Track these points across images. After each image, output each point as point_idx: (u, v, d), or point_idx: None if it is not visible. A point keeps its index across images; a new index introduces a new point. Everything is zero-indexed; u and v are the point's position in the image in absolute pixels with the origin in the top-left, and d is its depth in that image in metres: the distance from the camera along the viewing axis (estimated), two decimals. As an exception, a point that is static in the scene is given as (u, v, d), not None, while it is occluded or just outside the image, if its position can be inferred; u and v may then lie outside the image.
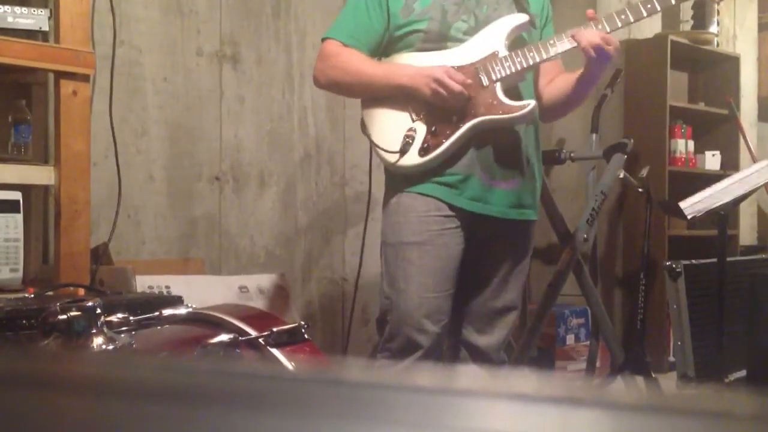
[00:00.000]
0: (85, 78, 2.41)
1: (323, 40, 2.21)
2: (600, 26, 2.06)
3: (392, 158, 2.11)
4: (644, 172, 3.35)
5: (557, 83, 2.24)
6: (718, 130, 4.89)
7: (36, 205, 2.68)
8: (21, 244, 2.27)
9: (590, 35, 2.02)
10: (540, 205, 2.36)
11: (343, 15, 2.24)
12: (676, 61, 4.46)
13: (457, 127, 2.09)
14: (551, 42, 2.09)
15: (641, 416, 0.35)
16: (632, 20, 2.09)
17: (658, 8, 2.09)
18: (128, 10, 2.92)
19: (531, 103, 2.09)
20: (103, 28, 2.75)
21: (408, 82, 2.09)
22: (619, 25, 2.08)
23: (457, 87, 2.05)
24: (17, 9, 2.33)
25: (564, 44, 2.08)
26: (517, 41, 2.15)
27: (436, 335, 2.11)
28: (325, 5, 3.47)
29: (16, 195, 2.29)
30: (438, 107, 2.09)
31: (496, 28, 2.12)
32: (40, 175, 2.39)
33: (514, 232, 2.21)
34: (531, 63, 2.10)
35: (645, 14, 2.09)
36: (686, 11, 4.84)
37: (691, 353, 3.16)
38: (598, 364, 3.55)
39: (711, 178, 3.22)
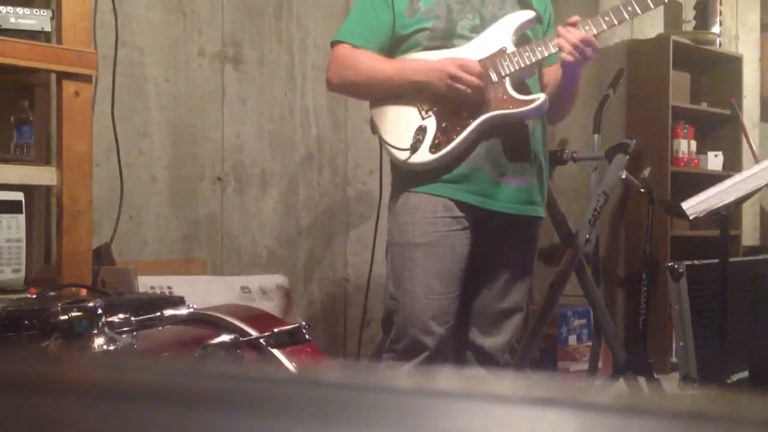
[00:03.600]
0: (87, 79, 2.41)
1: (333, 44, 2.21)
2: (587, 27, 2.08)
3: (403, 156, 2.11)
4: (646, 172, 3.34)
5: (550, 86, 2.25)
6: (721, 130, 4.88)
7: (38, 206, 2.68)
8: (23, 244, 2.28)
9: (572, 36, 2.04)
10: (542, 205, 2.36)
11: (351, 17, 2.25)
12: (678, 61, 4.46)
13: (468, 123, 2.09)
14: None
15: (622, 418, 0.35)
16: (616, 23, 2.10)
17: (639, 11, 2.11)
18: (130, 10, 2.93)
19: (541, 97, 2.09)
20: (105, 29, 2.75)
21: (422, 78, 2.09)
22: (605, 27, 2.10)
23: (474, 80, 2.06)
24: (19, 10, 2.33)
25: None
26: (522, 39, 2.16)
27: (442, 337, 2.10)
28: (327, 6, 3.47)
29: (19, 195, 2.29)
30: (448, 103, 2.09)
31: (504, 24, 2.13)
32: (42, 175, 2.39)
33: (521, 230, 2.21)
34: (539, 57, 2.10)
35: (627, 17, 2.11)
36: (689, 11, 4.83)
37: (693, 354, 3.15)
38: (600, 365, 3.54)
39: (713, 179, 3.21)
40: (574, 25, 2.08)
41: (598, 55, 2.11)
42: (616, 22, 2.10)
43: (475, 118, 2.09)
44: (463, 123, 2.09)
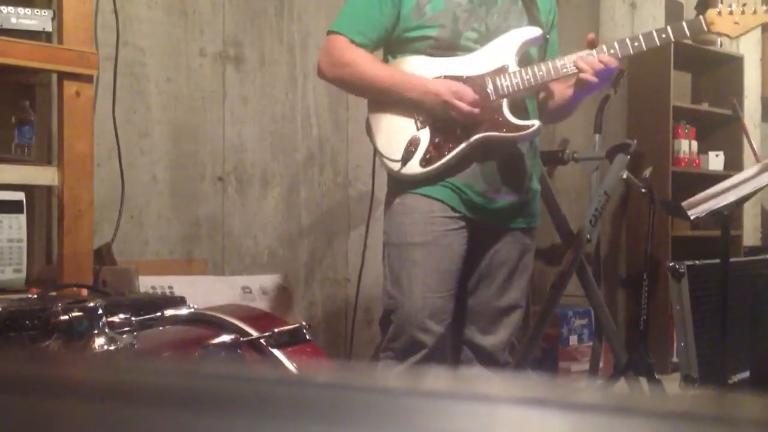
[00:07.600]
0: (88, 79, 2.42)
1: (330, 32, 2.17)
2: (612, 51, 2.06)
3: (394, 166, 2.12)
4: (647, 172, 3.34)
5: (556, 92, 2.24)
6: (722, 130, 4.88)
7: (39, 206, 2.69)
8: (24, 244, 2.28)
9: (594, 64, 2.03)
10: (543, 206, 2.37)
11: (353, 8, 2.17)
12: (679, 61, 4.46)
13: (461, 141, 2.09)
14: (562, 63, 2.07)
15: (614, 418, 0.35)
16: (644, 48, 2.09)
17: (672, 38, 2.09)
18: (131, 10, 2.93)
19: (536, 124, 2.09)
20: (106, 29, 2.76)
21: (417, 97, 2.08)
22: (632, 52, 2.08)
23: (467, 108, 2.05)
24: (21, 10, 2.33)
25: (574, 67, 2.07)
26: (525, 55, 2.15)
27: (440, 335, 2.11)
28: (328, 6, 3.47)
29: (20, 195, 2.30)
30: (444, 118, 2.09)
31: (508, 40, 2.10)
32: (43, 175, 2.39)
33: (516, 240, 2.22)
34: (540, 82, 2.09)
35: (658, 43, 2.09)
36: (690, 11, 4.83)
37: (694, 354, 3.15)
38: (601, 365, 3.54)
39: (714, 179, 3.21)
40: (591, 42, 2.06)
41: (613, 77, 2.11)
42: (644, 48, 2.08)
43: (468, 137, 2.08)
44: (456, 141, 2.09)
